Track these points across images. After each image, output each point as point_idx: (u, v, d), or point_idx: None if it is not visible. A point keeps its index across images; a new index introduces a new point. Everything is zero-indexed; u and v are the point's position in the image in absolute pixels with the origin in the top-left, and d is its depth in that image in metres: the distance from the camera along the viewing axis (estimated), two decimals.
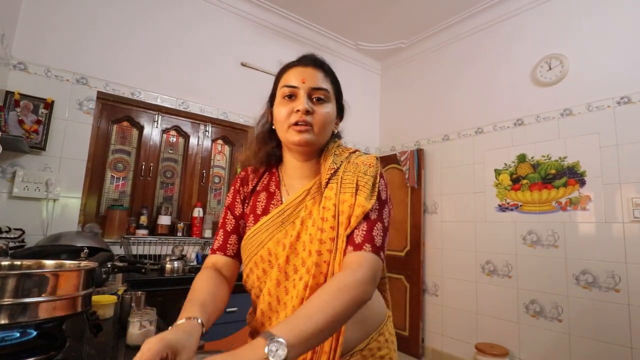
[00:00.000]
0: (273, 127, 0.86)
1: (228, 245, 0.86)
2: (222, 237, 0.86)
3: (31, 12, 2.08)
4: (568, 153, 2.34)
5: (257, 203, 0.86)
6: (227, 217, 0.88)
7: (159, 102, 2.51)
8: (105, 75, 2.30)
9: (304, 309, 0.59)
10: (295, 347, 0.52)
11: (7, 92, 1.94)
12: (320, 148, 0.84)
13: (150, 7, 2.52)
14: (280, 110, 0.80)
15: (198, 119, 2.80)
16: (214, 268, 0.83)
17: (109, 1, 2.35)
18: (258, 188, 0.89)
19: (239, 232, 0.87)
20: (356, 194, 0.75)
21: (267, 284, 0.78)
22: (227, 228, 0.87)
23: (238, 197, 0.90)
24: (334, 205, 0.75)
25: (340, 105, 0.89)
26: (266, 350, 0.50)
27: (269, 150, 0.88)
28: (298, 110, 0.77)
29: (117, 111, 2.46)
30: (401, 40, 3.48)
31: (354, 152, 0.86)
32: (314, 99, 0.80)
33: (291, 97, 0.80)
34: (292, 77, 0.81)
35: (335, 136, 0.89)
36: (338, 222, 0.74)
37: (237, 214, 0.88)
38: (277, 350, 0.50)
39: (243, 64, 2.93)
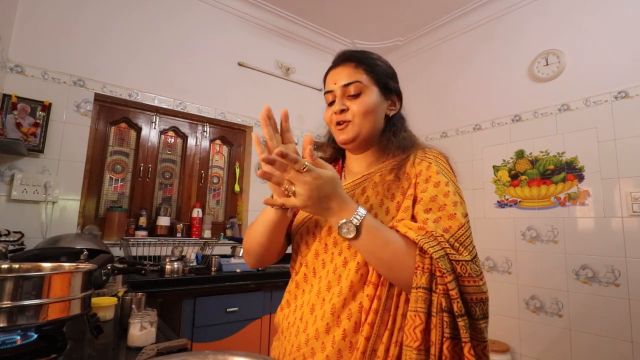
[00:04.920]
0: None
1: None
2: None
3: (27, 14, 2.07)
4: (566, 148, 2.35)
5: None
6: None
7: (156, 103, 2.51)
8: (102, 76, 2.29)
9: (390, 230, 0.68)
10: (365, 227, 0.65)
11: (4, 95, 1.94)
12: (371, 137, 0.84)
13: (146, 8, 2.51)
14: (326, 116, 0.86)
15: (196, 120, 2.80)
16: None
17: (104, 3, 2.34)
18: None
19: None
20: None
21: (306, 256, 0.81)
22: None
23: None
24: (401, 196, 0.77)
25: (388, 87, 0.86)
26: (360, 207, 0.66)
27: (336, 147, 0.95)
28: (335, 112, 0.82)
29: (114, 113, 2.46)
30: (397, 38, 3.48)
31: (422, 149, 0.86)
32: (350, 94, 0.82)
33: (333, 102, 0.84)
34: (328, 82, 0.86)
35: (393, 119, 0.87)
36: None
37: None
38: (362, 213, 0.65)
39: (240, 64, 2.92)
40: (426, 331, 0.61)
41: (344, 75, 0.82)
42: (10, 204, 1.94)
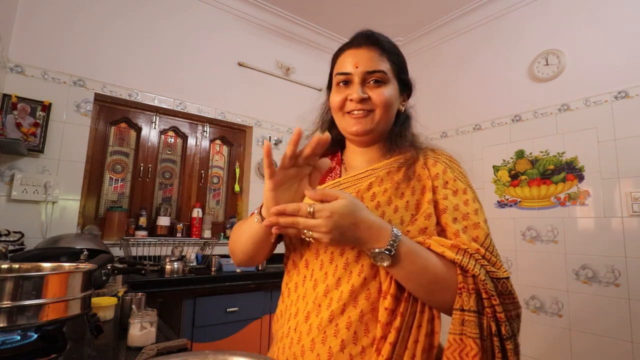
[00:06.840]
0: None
1: None
2: None
3: (27, 14, 2.07)
4: (566, 148, 2.35)
5: None
6: None
7: (156, 103, 2.51)
8: (102, 76, 2.29)
9: (427, 251, 0.62)
10: (402, 254, 0.59)
11: (4, 95, 1.94)
12: (384, 132, 0.78)
13: (146, 8, 2.51)
14: (335, 98, 0.76)
15: (196, 120, 2.80)
16: None
17: (104, 3, 2.34)
18: None
19: None
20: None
21: (304, 255, 0.74)
22: None
23: None
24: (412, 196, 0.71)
25: (404, 81, 0.80)
26: (394, 230, 0.60)
27: (334, 138, 0.83)
28: (352, 99, 0.73)
29: (114, 113, 2.46)
30: (397, 38, 3.48)
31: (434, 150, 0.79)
32: (371, 82, 0.74)
33: (346, 83, 0.75)
34: (345, 63, 0.76)
35: (403, 116, 0.81)
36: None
37: None
38: (396, 238, 0.59)
39: (240, 64, 2.92)
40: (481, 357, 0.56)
41: (368, 59, 0.74)
42: (10, 204, 1.93)
